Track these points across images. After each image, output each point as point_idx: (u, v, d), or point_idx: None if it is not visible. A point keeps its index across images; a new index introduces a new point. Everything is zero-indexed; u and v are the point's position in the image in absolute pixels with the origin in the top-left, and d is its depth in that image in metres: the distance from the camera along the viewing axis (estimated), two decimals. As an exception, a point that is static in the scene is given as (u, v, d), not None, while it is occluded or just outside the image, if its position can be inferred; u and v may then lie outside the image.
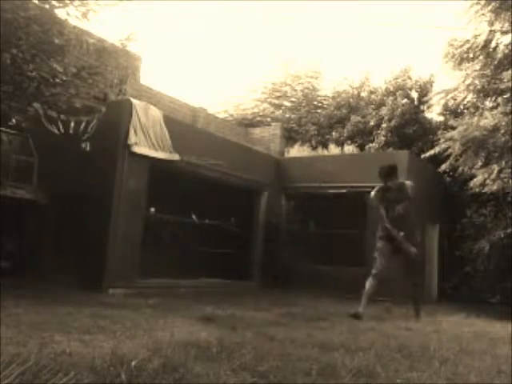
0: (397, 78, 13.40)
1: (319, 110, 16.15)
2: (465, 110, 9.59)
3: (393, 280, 5.80)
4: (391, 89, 13.12)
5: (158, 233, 7.85)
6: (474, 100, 8.93)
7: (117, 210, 6.18)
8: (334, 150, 11.53)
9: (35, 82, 5.11)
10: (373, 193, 5.68)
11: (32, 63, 4.99)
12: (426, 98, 12.46)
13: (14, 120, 5.64)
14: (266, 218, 8.78)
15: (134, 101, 6.53)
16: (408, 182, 5.68)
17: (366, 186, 7.89)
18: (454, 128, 8.40)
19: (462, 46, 8.52)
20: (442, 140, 8.51)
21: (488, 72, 8.26)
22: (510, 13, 7.76)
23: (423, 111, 12.51)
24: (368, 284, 5.34)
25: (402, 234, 5.39)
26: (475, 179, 8.08)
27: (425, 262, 5.70)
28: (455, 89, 9.10)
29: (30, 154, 6.80)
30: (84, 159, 6.32)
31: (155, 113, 6.74)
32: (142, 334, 3.18)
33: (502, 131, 7.39)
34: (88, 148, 6.30)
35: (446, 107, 10.86)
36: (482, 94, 8.66)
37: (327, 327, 4.21)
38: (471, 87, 8.70)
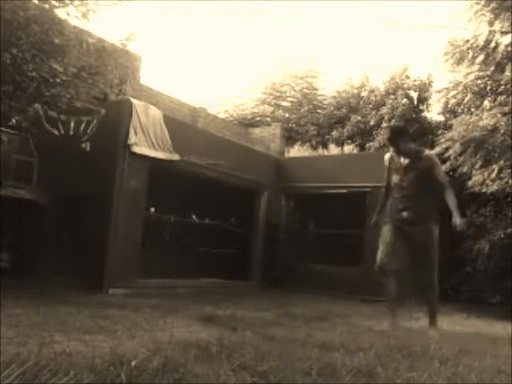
0: (394, 78, 13.41)
1: (319, 110, 16.17)
2: (465, 110, 9.58)
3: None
4: (389, 90, 13.13)
5: (158, 233, 7.85)
6: (474, 100, 8.93)
7: (117, 210, 6.18)
8: (334, 149, 11.55)
9: (35, 82, 5.10)
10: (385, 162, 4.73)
11: (32, 63, 4.98)
12: (425, 95, 12.46)
13: (13, 120, 5.63)
14: (266, 218, 8.77)
15: (133, 101, 6.53)
16: (427, 152, 4.59)
17: (366, 185, 7.91)
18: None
19: (462, 45, 8.52)
20: (442, 140, 8.51)
21: (488, 72, 8.26)
22: (509, 13, 7.76)
23: (423, 111, 12.53)
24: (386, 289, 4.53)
25: (405, 214, 4.47)
26: (474, 179, 8.08)
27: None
28: (455, 87, 9.10)
29: (30, 154, 6.80)
30: (84, 159, 6.33)
31: (155, 113, 6.74)
32: (142, 334, 3.18)
33: (502, 131, 7.39)
34: (88, 148, 6.30)
35: (445, 107, 10.85)
36: (480, 94, 8.66)
37: (327, 327, 4.20)
38: (470, 87, 8.70)
